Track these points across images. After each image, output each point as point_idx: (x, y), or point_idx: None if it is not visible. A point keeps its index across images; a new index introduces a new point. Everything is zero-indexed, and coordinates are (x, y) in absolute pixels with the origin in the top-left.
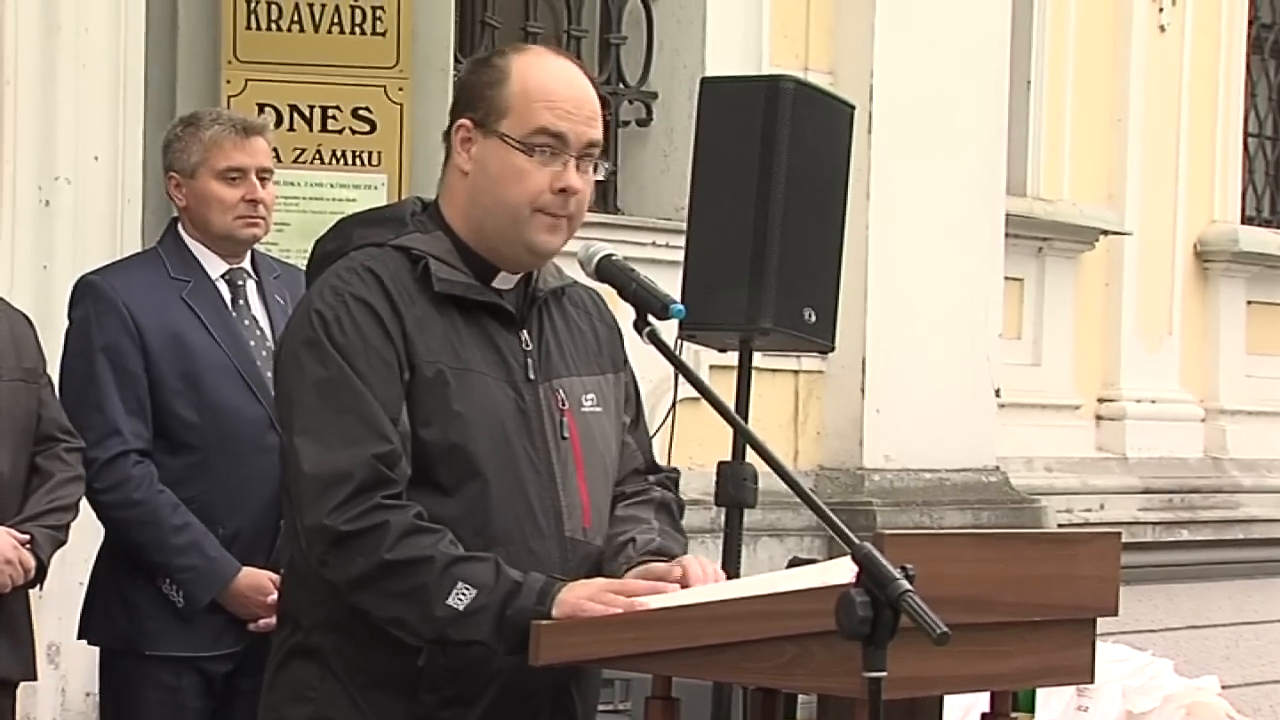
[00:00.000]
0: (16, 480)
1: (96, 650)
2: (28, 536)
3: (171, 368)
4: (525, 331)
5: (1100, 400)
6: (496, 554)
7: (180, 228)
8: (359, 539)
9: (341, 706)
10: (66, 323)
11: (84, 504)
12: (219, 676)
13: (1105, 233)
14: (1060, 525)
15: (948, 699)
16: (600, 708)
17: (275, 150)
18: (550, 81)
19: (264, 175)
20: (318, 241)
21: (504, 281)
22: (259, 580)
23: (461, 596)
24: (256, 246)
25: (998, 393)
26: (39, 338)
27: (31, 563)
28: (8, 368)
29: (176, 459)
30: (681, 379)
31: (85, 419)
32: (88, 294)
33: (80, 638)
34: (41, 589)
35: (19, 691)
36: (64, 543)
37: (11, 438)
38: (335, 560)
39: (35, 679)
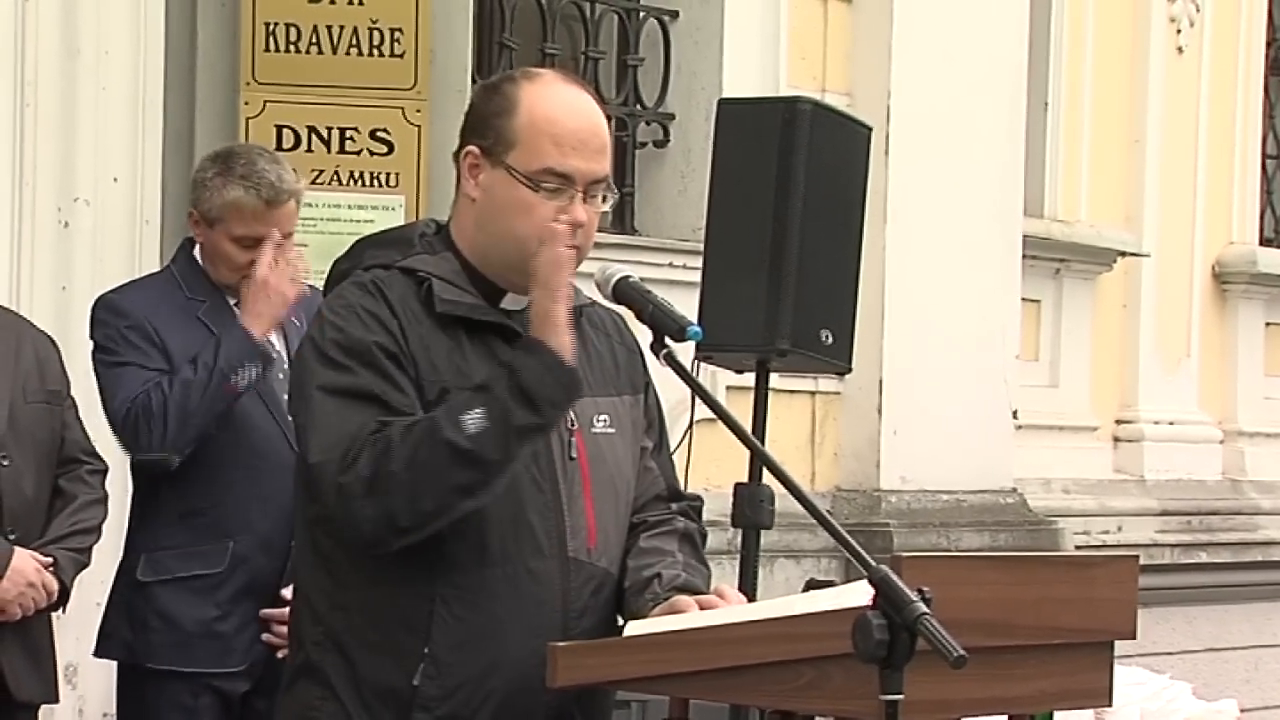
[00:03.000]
0: (40, 502)
1: (113, 670)
2: (51, 560)
3: None
4: None
5: (1118, 422)
6: (494, 574)
7: (195, 250)
8: (373, 472)
9: None
10: (87, 344)
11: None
12: (236, 696)
13: (1123, 254)
14: (1078, 547)
15: None
16: None
17: (293, 170)
18: (558, 114)
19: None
20: (335, 261)
21: (514, 302)
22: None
23: (472, 421)
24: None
25: (1015, 414)
26: (63, 359)
27: (55, 586)
28: (32, 390)
29: (195, 473)
30: (698, 400)
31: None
32: (109, 312)
33: (95, 653)
34: (64, 612)
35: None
36: (86, 565)
37: (35, 460)
38: (364, 505)
39: (57, 701)
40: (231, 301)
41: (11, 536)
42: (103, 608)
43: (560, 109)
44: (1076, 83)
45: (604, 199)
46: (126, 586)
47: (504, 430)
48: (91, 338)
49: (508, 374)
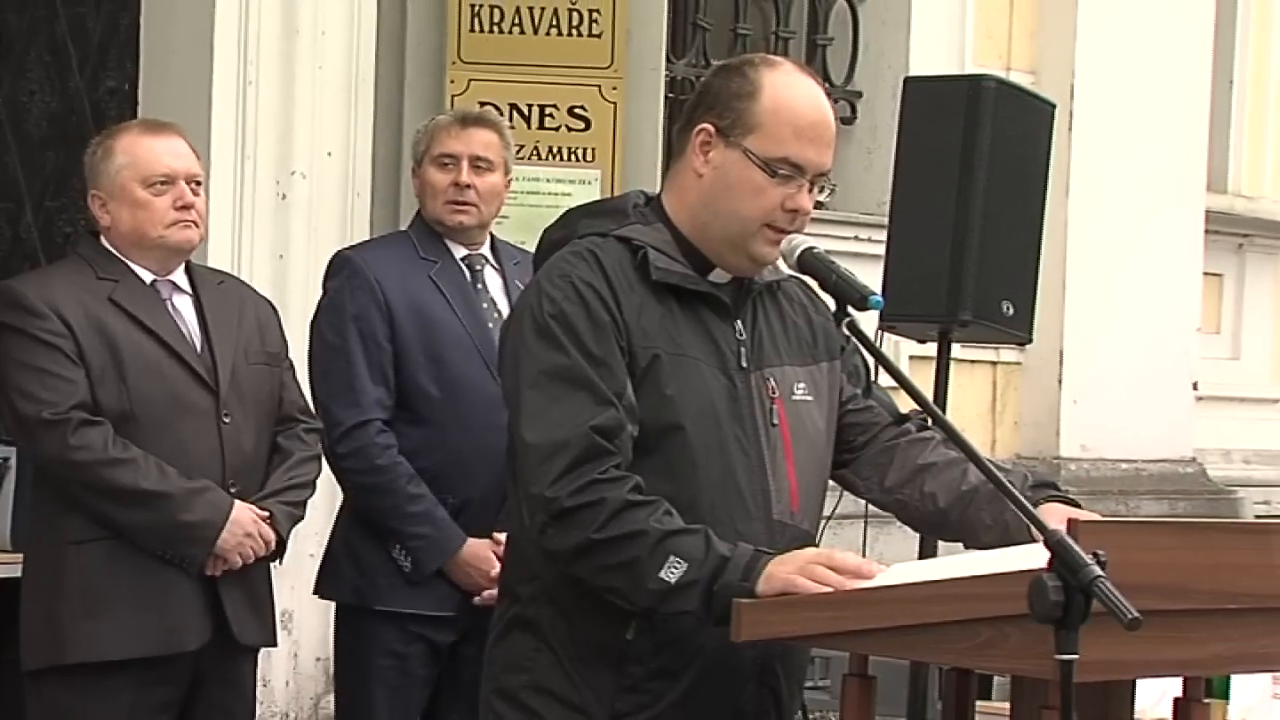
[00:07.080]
0: (259, 458)
1: (327, 618)
2: (268, 512)
3: (416, 341)
4: (739, 322)
5: None
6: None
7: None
8: (576, 514)
9: (555, 676)
10: (304, 309)
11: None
12: (445, 646)
13: None
14: (1258, 517)
15: (1141, 683)
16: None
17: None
18: (800, 105)
19: (480, 164)
20: (546, 230)
21: (719, 275)
22: (482, 551)
23: (672, 571)
24: (495, 233)
25: (1195, 386)
26: (281, 324)
27: (272, 536)
28: (254, 351)
29: (415, 430)
30: (881, 369)
31: (334, 385)
32: (343, 267)
33: (315, 593)
34: (281, 563)
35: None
36: (301, 519)
37: (255, 418)
38: (553, 532)
39: (275, 645)
40: (459, 255)
41: (232, 490)
42: (317, 559)
43: (802, 100)
44: (1263, 60)
45: (821, 189)
46: (351, 533)
47: (674, 598)
48: (324, 287)
49: (714, 573)
